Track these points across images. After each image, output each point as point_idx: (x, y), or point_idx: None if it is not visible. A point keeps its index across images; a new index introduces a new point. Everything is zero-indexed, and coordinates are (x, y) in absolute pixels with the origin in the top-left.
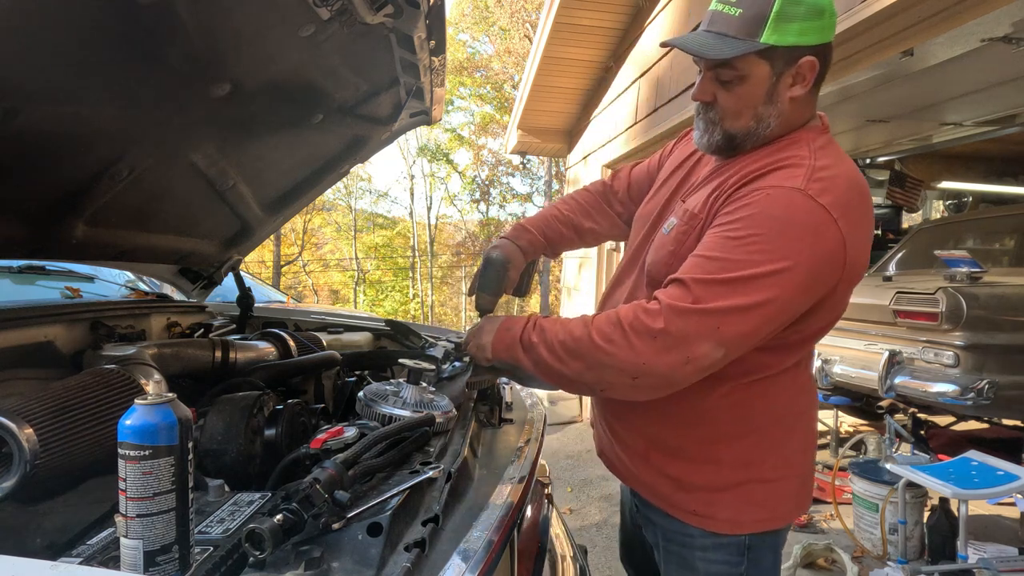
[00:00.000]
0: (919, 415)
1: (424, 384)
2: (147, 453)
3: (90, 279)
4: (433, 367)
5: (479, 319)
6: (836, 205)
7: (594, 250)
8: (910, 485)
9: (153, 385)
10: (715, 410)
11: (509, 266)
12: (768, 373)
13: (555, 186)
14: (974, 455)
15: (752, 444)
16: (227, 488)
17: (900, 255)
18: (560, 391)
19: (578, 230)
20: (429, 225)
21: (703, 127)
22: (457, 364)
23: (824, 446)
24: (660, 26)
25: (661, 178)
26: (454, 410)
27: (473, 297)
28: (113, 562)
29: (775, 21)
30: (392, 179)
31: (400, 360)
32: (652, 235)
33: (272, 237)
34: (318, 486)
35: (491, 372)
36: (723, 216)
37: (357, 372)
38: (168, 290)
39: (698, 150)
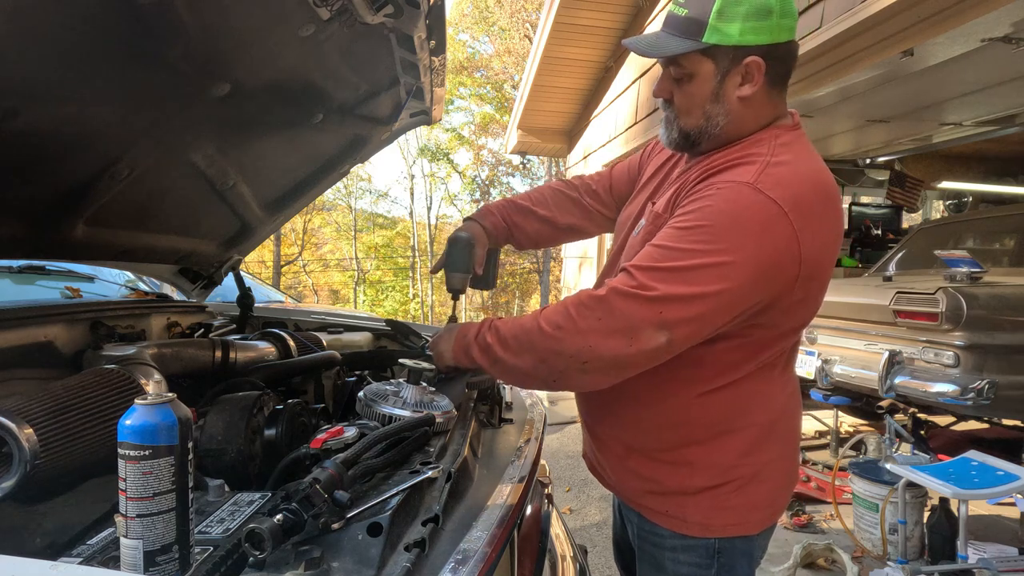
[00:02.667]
0: (919, 415)
1: (424, 384)
2: (147, 453)
3: (90, 279)
4: (433, 367)
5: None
6: (787, 199)
7: (594, 250)
8: (910, 485)
9: (153, 385)
10: (690, 413)
11: (475, 242)
12: (741, 374)
13: None
14: (974, 455)
15: (725, 448)
16: (227, 488)
17: (900, 255)
18: (560, 392)
19: (555, 225)
20: (429, 225)
21: (664, 124)
22: None
23: (824, 446)
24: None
25: (640, 183)
26: (454, 410)
27: (443, 283)
28: (113, 562)
29: (715, 20)
30: (392, 179)
31: (400, 360)
32: (627, 239)
33: (272, 237)
34: (318, 486)
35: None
36: (679, 210)
37: (357, 372)
38: (168, 290)
39: (673, 156)
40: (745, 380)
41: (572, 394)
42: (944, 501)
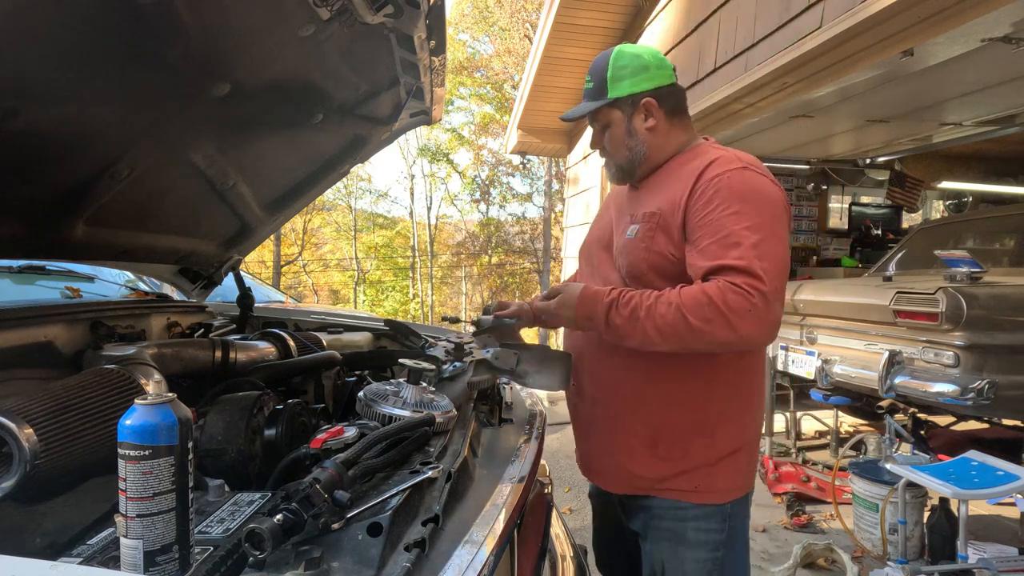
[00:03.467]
0: (919, 415)
1: (424, 384)
2: (147, 453)
3: (90, 279)
4: (433, 367)
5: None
6: (762, 170)
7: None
8: (910, 485)
9: (153, 385)
10: (714, 384)
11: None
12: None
13: (555, 186)
14: (974, 455)
15: (736, 415)
16: (227, 488)
17: (900, 255)
18: (560, 392)
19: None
20: (429, 225)
21: (606, 167)
22: (457, 364)
23: (824, 446)
24: (660, 26)
25: (600, 214)
26: (454, 410)
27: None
28: (113, 562)
29: (611, 83)
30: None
31: (400, 360)
32: (610, 249)
33: (272, 237)
34: (318, 486)
35: (491, 372)
36: (700, 207)
37: (357, 372)
38: (168, 290)
39: (623, 190)
40: (747, 358)
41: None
42: (944, 501)
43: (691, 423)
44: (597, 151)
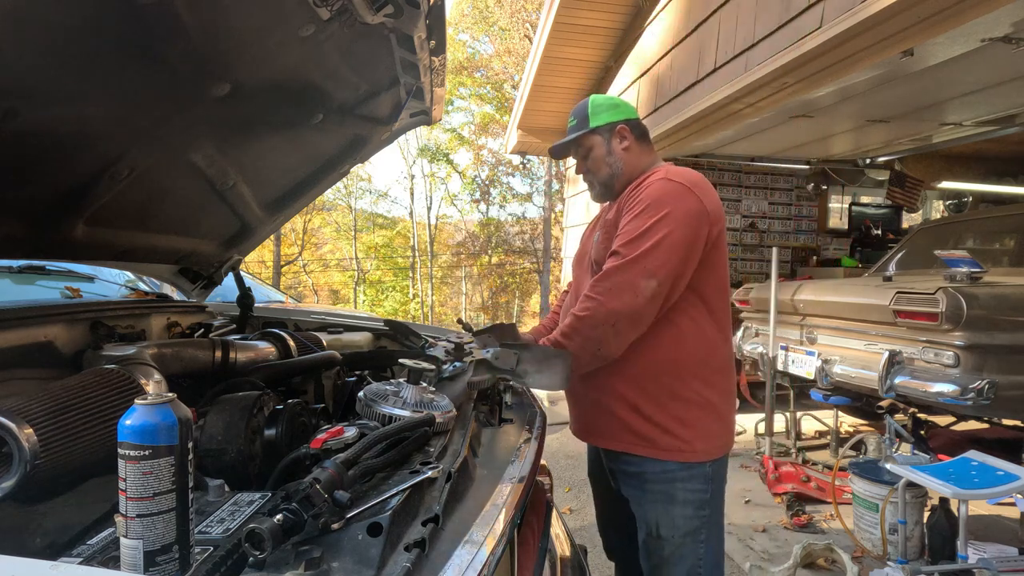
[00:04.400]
0: (919, 415)
1: (424, 384)
2: (147, 453)
3: (90, 279)
4: (433, 367)
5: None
6: (688, 182)
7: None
8: (910, 485)
9: (153, 385)
10: (680, 355)
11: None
12: (706, 322)
13: (555, 186)
14: (974, 455)
15: (706, 382)
16: (227, 488)
17: (900, 255)
18: (560, 392)
19: None
20: (429, 225)
21: (590, 188)
22: (457, 364)
23: (824, 446)
24: (660, 26)
25: (585, 232)
26: (454, 410)
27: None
28: (113, 562)
29: (592, 116)
30: (392, 179)
31: (400, 360)
32: (585, 257)
33: (272, 237)
34: (318, 486)
35: (491, 372)
36: (625, 210)
37: (357, 372)
38: (168, 290)
39: (602, 208)
40: (708, 330)
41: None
42: (944, 501)
43: (667, 389)
44: (582, 176)
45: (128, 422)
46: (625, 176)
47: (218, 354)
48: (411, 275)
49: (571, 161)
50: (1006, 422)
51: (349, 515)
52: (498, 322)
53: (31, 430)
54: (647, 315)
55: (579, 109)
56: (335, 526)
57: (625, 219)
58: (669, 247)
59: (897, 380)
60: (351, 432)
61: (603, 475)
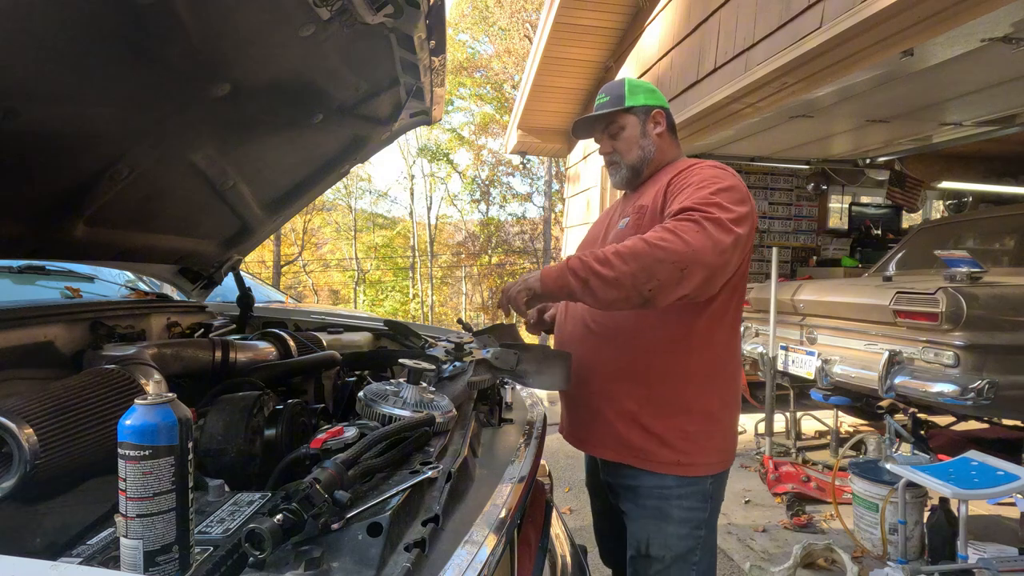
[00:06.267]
0: (919, 415)
1: (424, 384)
2: (147, 453)
3: (90, 279)
4: (433, 367)
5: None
6: (728, 170)
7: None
8: (910, 485)
9: (153, 385)
10: (690, 363)
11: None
12: (720, 330)
13: (555, 186)
14: (974, 455)
15: (712, 394)
16: (227, 488)
17: (900, 255)
18: (560, 392)
19: None
20: (429, 225)
21: (612, 170)
22: (457, 364)
23: (824, 446)
24: (660, 26)
25: (598, 221)
26: (454, 410)
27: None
28: (113, 562)
29: (628, 94)
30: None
31: (400, 360)
32: (608, 235)
33: (272, 237)
34: (318, 486)
35: (491, 372)
36: (675, 188)
37: (357, 372)
38: (168, 290)
39: (633, 199)
40: (720, 336)
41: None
42: (944, 501)
43: (670, 398)
44: (605, 157)
45: (128, 422)
46: (655, 162)
47: (218, 354)
48: (411, 275)
49: (572, 159)
50: (1006, 422)
51: (349, 515)
52: (498, 322)
53: (31, 430)
54: (721, 271)
55: (614, 86)
56: (335, 526)
57: (684, 193)
58: (743, 212)
59: (897, 380)
60: (351, 432)
61: (600, 485)
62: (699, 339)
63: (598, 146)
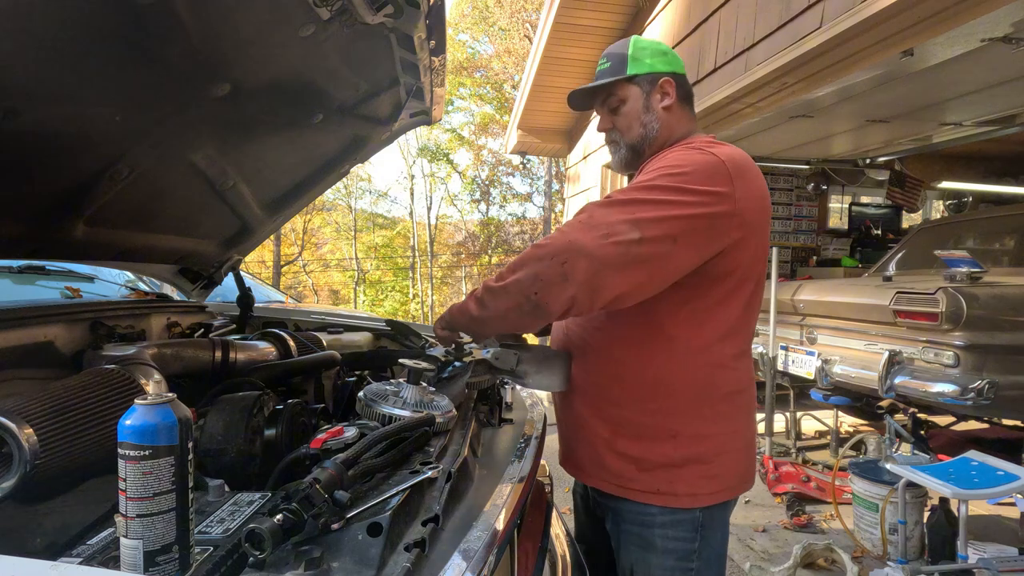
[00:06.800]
0: (919, 415)
1: (424, 384)
2: (147, 453)
3: (90, 279)
4: (433, 367)
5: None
6: (725, 156)
7: None
8: (910, 485)
9: (153, 385)
10: (672, 382)
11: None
12: (709, 337)
13: (555, 186)
14: (974, 455)
15: (703, 417)
16: (227, 488)
17: (900, 255)
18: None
19: None
20: (429, 225)
21: (612, 150)
22: (457, 364)
23: (824, 446)
24: (660, 26)
25: None
26: (454, 410)
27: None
28: (113, 562)
29: (631, 60)
30: (392, 179)
31: (400, 360)
32: None
33: (272, 237)
34: (318, 486)
35: (491, 372)
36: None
37: (357, 372)
38: (168, 290)
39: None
40: (716, 346)
41: (517, 331)
42: (944, 501)
43: (650, 424)
44: (605, 134)
45: (128, 422)
46: (659, 141)
47: (218, 354)
48: (411, 275)
49: (572, 159)
50: (1006, 422)
51: (349, 515)
52: None
53: (31, 430)
54: (612, 276)
55: (616, 49)
56: (335, 526)
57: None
58: (670, 208)
59: (897, 380)
60: (351, 432)
61: (588, 504)
62: (683, 351)
63: (603, 145)
